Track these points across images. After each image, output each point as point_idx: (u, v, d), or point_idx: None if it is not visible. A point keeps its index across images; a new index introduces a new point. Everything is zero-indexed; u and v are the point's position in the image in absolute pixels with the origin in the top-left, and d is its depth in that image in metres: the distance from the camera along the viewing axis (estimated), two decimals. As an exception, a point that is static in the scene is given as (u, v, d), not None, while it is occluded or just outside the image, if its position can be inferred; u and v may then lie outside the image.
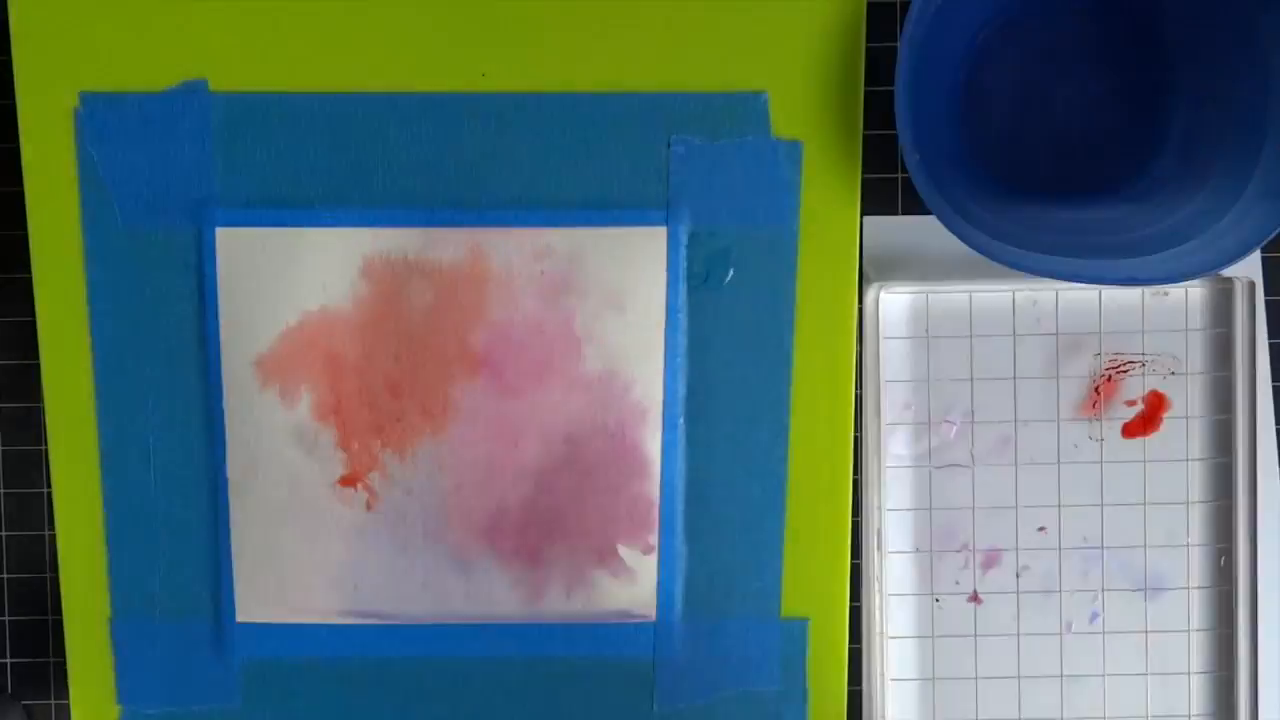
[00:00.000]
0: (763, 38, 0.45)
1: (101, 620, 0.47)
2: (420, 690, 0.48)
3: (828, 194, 0.46)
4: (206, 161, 0.45)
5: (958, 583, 0.48)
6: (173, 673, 0.47)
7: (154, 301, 0.45)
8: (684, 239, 0.46)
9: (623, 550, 0.47)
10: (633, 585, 0.47)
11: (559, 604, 0.47)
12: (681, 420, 0.46)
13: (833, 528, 0.47)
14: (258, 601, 0.47)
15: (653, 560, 0.47)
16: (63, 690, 0.49)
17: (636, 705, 0.48)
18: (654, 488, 0.46)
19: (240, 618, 0.47)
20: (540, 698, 0.48)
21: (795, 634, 0.47)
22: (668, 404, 0.46)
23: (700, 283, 0.46)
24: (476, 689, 0.48)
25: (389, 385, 0.46)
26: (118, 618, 0.47)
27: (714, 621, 0.47)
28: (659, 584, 0.47)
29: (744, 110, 0.45)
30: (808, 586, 0.47)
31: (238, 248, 0.45)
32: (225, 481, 0.46)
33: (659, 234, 0.45)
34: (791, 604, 0.47)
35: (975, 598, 0.49)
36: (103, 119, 0.45)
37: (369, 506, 0.47)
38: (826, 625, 0.47)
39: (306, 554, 0.47)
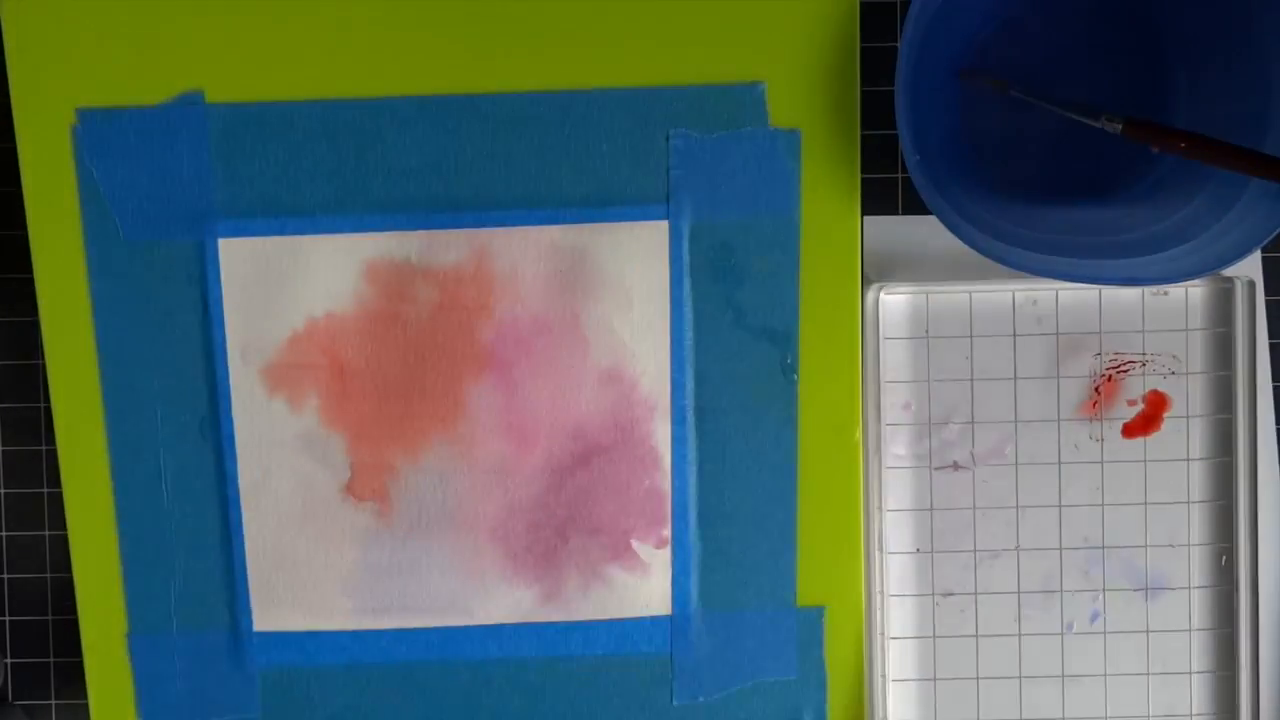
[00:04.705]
0: (758, 28, 0.45)
1: (119, 636, 0.47)
2: (439, 693, 0.48)
3: (827, 182, 0.46)
4: (206, 173, 0.45)
5: (958, 582, 0.48)
6: (192, 685, 0.47)
7: (159, 315, 0.45)
8: (686, 232, 0.46)
9: (636, 545, 0.47)
10: (648, 580, 0.47)
11: (575, 602, 0.47)
12: (690, 413, 0.46)
13: (845, 513, 0.47)
14: (274, 610, 0.47)
15: (666, 554, 0.47)
16: (62, 691, 0.49)
17: (655, 700, 0.48)
18: (665, 481, 0.46)
19: (257, 627, 0.47)
20: (558, 697, 0.48)
21: (812, 622, 0.47)
22: (676, 397, 0.46)
23: (704, 275, 0.46)
24: (495, 691, 0.48)
25: (397, 389, 0.46)
26: (135, 633, 0.47)
27: (730, 613, 0.47)
28: (673, 577, 0.47)
29: (742, 101, 0.45)
30: (823, 574, 0.47)
31: (240, 258, 0.45)
32: (236, 492, 0.46)
33: (661, 228, 0.45)
34: (807, 592, 0.47)
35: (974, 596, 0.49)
36: (101, 134, 0.45)
37: (381, 511, 0.47)
38: (843, 612, 0.47)
39: (321, 561, 0.47)
